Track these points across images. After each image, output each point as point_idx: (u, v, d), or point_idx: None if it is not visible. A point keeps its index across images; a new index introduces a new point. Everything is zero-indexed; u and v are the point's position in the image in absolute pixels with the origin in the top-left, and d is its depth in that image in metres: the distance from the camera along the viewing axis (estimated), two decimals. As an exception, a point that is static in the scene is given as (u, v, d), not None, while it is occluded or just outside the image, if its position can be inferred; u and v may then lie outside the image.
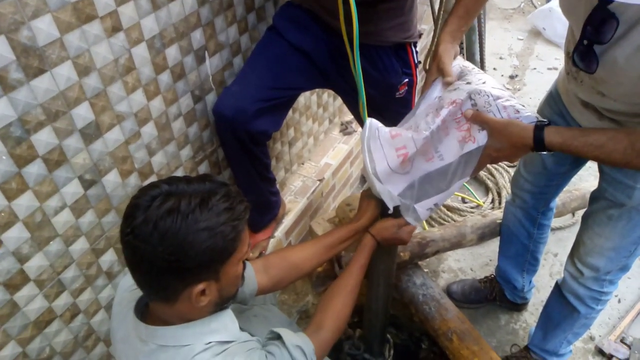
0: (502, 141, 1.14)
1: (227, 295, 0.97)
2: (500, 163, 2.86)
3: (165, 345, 0.93)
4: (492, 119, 1.14)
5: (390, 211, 1.26)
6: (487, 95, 1.16)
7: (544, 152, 1.51)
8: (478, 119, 1.16)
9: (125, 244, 0.86)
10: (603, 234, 1.39)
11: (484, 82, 1.20)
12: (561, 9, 1.18)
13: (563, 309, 1.62)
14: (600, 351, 1.99)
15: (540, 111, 1.52)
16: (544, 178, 1.62)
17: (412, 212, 1.27)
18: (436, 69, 1.30)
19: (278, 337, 1.04)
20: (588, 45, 1.05)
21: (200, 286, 0.89)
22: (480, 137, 1.16)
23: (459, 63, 1.31)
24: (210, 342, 0.94)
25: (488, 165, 2.82)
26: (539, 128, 1.09)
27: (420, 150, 1.22)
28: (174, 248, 0.83)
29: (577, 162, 1.55)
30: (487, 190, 2.78)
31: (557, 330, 1.69)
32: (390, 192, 1.23)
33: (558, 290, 1.63)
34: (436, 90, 1.28)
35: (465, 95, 1.19)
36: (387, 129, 1.24)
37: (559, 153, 1.51)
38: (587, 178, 2.69)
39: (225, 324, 0.99)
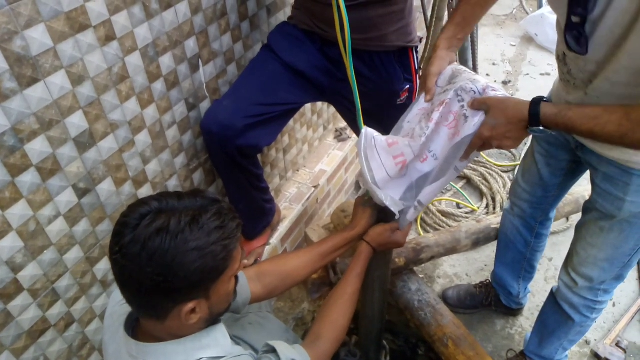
0: (498, 117, 1.11)
1: (218, 311, 0.96)
2: (494, 168, 2.87)
3: None
4: (490, 97, 1.14)
5: (397, 217, 1.25)
6: (474, 91, 1.16)
7: (540, 146, 1.51)
8: (477, 103, 1.15)
9: (114, 262, 0.85)
10: (596, 245, 1.38)
11: (473, 80, 1.20)
12: (548, 2, 1.16)
13: (558, 317, 1.62)
14: (596, 355, 1.99)
15: None
16: (540, 189, 1.63)
17: (405, 214, 1.27)
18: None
19: (273, 351, 1.02)
20: (579, 25, 1.03)
21: (190, 305, 0.87)
22: (465, 129, 1.15)
23: (452, 67, 1.31)
24: (201, 359, 0.93)
25: (482, 171, 2.85)
26: (535, 102, 1.08)
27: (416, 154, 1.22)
28: (163, 268, 0.81)
29: (572, 173, 1.55)
30: (481, 195, 2.79)
31: (552, 337, 1.69)
32: (392, 197, 1.23)
33: (553, 298, 1.62)
34: (422, 97, 1.29)
35: (453, 94, 1.19)
36: (384, 138, 1.23)
37: (554, 163, 1.51)
38: (580, 182, 2.68)
39: (217, 339, 0.97)
